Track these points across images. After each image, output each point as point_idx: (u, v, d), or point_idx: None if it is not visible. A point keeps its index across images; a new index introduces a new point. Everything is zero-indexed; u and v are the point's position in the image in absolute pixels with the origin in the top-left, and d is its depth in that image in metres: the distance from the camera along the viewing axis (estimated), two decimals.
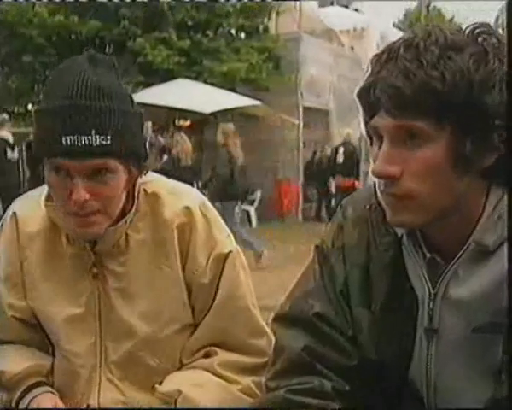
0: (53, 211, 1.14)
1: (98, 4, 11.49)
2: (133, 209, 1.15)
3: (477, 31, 0.84)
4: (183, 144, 7.65)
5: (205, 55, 11.85)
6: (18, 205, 1.22)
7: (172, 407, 1.11)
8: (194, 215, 1.16)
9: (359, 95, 0.87)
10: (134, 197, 1.15)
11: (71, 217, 1.08)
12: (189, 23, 12.21)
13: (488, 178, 0.86)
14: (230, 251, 1.18)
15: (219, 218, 1.22)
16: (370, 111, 0.86)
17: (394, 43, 0.85)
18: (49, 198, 1.15)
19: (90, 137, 1.02)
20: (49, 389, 1.17)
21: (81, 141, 1.02)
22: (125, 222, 1.14)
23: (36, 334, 1.21)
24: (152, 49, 11.40)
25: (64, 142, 1.02)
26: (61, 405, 1.14)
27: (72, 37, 12.13)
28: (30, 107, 13.01)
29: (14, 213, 1.20)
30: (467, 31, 0.84)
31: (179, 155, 7.53)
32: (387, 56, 0.83)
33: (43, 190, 1.18)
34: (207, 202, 1.21)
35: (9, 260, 1.19)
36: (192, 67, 11.70)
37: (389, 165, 0.84)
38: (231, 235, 1.23)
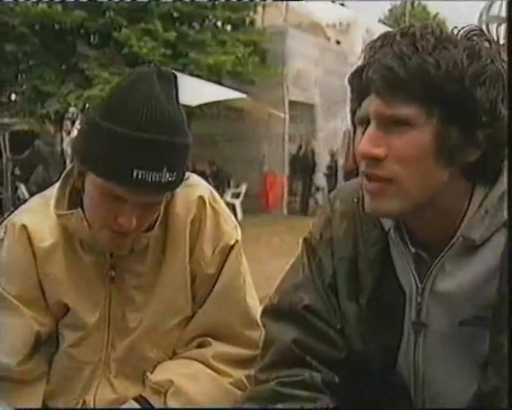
0: (67, 220, 1.11)
1: None
2: (159, 220, 1.13)
3: (471, 32, 0.85)
4: None
5: (191, 48, 11.77)
6: (26, 217, 1.15)
7: (162, 396, 1.11)
8: (206, 206, 1.16)
9: (351, 78, 0.87)
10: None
11: (107, 231, 1.06)
12: (175, 15, 12.13)
13: (471, 175, 0.86)
14: (236, 241, 1.19)
15: (226, 208, 1.22)
16: (360, 94, 0.86)
17: (389, 32, 0.86)
18: (58, 206, 1.12)
19: (161, 174, 1.00)
20: None
21: (152, 177, 0.99)
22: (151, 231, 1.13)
23: (44, 343, 1.18)
24: (137, 41, 11.30)
25: (135, 176, 0.98)
26: None
27: (56, 26, 11.98)
28: (13, 97, 12.83)
29: (24, 227, 1.13)
30: (460, 31, 0.86)
31: None
32: (382, 42, 0.84)
33: (45, 198, 1.15)
34: (215, 193, 1.21)
35: (26, 277, 1.14)
36: (178, 60, 11.62)
37: (374, 146, 0.84)
38: (238, 226, 1.22)
